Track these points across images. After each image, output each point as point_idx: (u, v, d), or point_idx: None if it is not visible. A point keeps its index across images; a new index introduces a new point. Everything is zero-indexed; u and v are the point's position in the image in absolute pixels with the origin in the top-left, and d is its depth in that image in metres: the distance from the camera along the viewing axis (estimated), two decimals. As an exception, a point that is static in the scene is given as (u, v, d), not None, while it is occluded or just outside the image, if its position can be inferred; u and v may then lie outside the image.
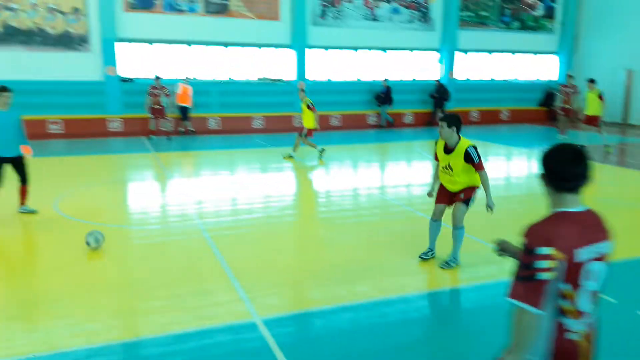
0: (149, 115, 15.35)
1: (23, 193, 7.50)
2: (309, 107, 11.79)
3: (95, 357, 3.86)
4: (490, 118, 21.43)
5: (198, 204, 8.50)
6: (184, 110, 16.13)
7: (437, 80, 19.71)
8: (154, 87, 15.20)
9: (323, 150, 12.16)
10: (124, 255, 6.05)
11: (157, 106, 15.24)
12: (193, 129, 16.54)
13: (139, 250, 6.17)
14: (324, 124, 18.59)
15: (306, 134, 12.00)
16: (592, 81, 13.83)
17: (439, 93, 19.51)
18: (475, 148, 5.47)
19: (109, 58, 15.90)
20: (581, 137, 14.61)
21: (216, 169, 11.85)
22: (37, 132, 15.19)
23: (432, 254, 5.93)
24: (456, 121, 5.52)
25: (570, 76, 16.46)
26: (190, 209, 8.00)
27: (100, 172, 10.87)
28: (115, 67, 16.01)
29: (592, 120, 13.76)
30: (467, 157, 5.40)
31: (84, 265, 5.68)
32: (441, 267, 5.70)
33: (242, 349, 4.03)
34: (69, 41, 15.62)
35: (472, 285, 5.29)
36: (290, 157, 12.27)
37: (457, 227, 5.69)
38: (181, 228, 7.01)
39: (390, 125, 19.28)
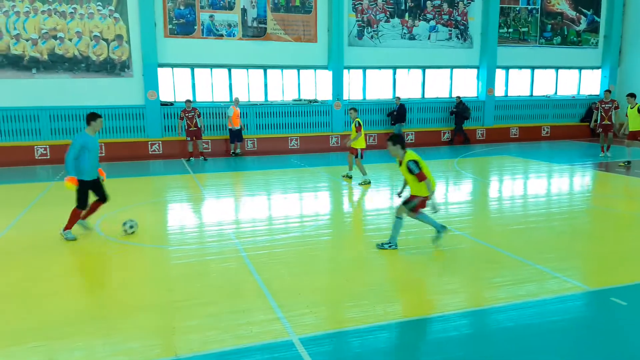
0: (186, 138, 16.00)
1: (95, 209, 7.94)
2: (357, 126, 11.52)
3: (134, 374, 3.90)
4: (530, 134, 20.97)
5: (235, 224, 8.58)
6: (237, 133, 16.62)
7: (457, 97, 19.49)
8: (186, 111, 15.83)
9: (369, 182, 11.74)
10: (163, 275, 6.14)
11: (194, 128, 15.83)
12: (240, 151, 17.05)
13: (178, 270, 6.25)
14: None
15: (359, 156, 11.77)
16: (632, 95, 13.56)
17: (459, 110, 19.22)
18: (415, 162, 6.53)
19: (150, 83, 16.45)
20: (625, 153, 14.07)
21: (252, 189, 11.97)
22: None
23: (393, 246, 6.84)
24: (398, 139, 6.73)
25: (608, 91, 15.86)
26: (228, 229, 8.08)
27: (140, 194, 11.15)
28: (156, 91, 16.53)
29: (637, 136, 13.38)
30: (409, 170, 6.55)
31: (124, 285, 5.79)
32: (377, 246, 6.84)
33: (279, 368, 3.99)
34: (111, 67, 16.26)
35: (512, 304, 5.11)
36: (348, 176, 12.33)
37: (396, 217, 6.84)
38: (219, 248, 7.08)
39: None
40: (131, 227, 7.58)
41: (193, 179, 12.80)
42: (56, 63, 15.72)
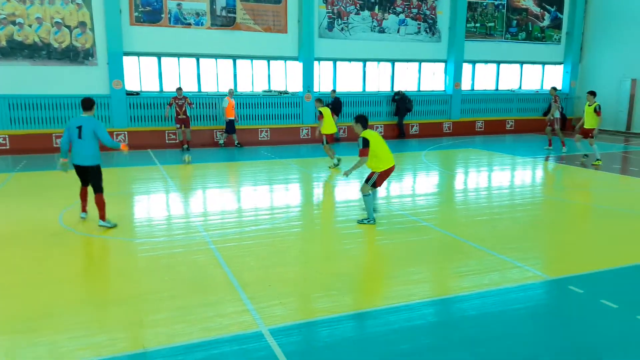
0: (176, 125, 15.84)
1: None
2: (320, 114, 12.57)
3: (101, 368, 3.86)
4: (495, 128, 21.45)
5: (203, 216, 8.51)
6: (230, 124, 16.58)
7: (398, 91, 19.43)
8: (177, 98, 15.64)
9: (338, 161, 12.85)
10: (130, 268, 6.05)
11: (183, 116, 15.72)
12: (239, 143, 17.06)
13: (145, 262, 6.17)
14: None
15: (327, 141, 12.81)
16: (592, 94, 13.76)
17: (402, 102, 19.15)
18: (364, 139, 7.42)
19: (116, 72, 16.06)
20: (574, 148, 14.65)
21: (222, 181, 11.89)
22: (43, 147, 15.34)
23: (371, 221, 7.67)
24: (360, 118, 7.74)
25: (553, 89, 16.34)
26: (196, 222, 8.02)
27: (105, 186, 10.88)
28: (122, 80, 16.15)
29: (588, 133, 13.70)
30: (358, 144, 7.44)
31: (89, 278, 5.70)
32: (357, 222, 7.68)
33: (249, 358, 4.01)
34: (74, 55, 15.79)
35: (475, 292, 5.27)
36: (335, 165, 12.84)
37: (362, 195, 7.69)
38: (187, 240, 7.02)
39: (337, 140, 17.71)
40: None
41: (160, 170, 12.61)
42: (15, 50, 15.16)
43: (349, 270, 5.87)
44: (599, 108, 13.37)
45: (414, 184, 11.65)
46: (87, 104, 7.65)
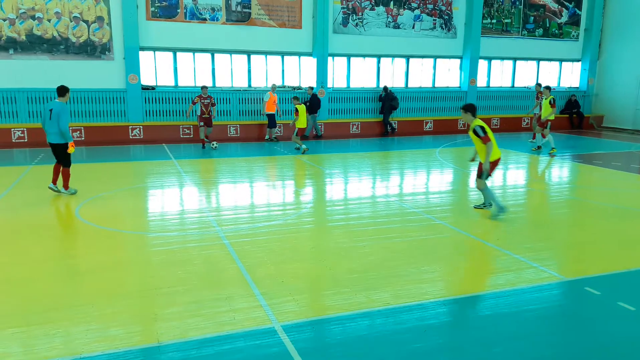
0: (199, 123, 15.33)
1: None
2: (296, 111, 14.38)
3: (116, 361, 3.90)
4: (511, 125, 21.24)
5: (217, 211, 8.56)
6: (271, 118, 16.74)
7: (385, 87, 18.80)
8: (202, 97, 15.18)
9: (306, 149, 14.55)
10: (144, 262, 6.11)
11: (207, 115, 15.27)
12: (276, 137, 17.34)
13: (159, 256, 6.22)
14: (345, 132, 18.68)
15: (297, 133, 14.70)
16: (548, 88, 14.99)
17: (387, 99, 18.55)
18: (482, 127, 7.64)
19: (132, 66, 16.18)
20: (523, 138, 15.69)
21: (235, 176, 11.93)
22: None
23: (503, 210, 7.85)
24: (469, 107, 7.91)
25: (539, 84, 17.32)
26: (209, 216, 8.06)
27: (121, 179, 11.03)
28: (137, 75, 16.27)
29: (545, 124, 14.80)
30: (475, 133, 7.67)
31: (104, 271, 5.75)
32: (491, 218, 7.82)
33: (262, 354, 4.03)
34: (92, 49, 15.94)
35: (490, 292, 5.23)
36: (301, 149, 14.52)
37: (481, 190, 8.09)
38: (200, 235, 7.07)
39: (319, 137, 18.03)
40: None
41: (175, 164, 12.69)
42: (34, 44, 15.35)
43: (362, 267, 5.86)
44: (554, 101, 14.64)
45: (428, 181, 11.59)
46: (61, 90, 8.94)
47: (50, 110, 8.75)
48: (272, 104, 16.83)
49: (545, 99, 14.84)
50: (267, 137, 17.38)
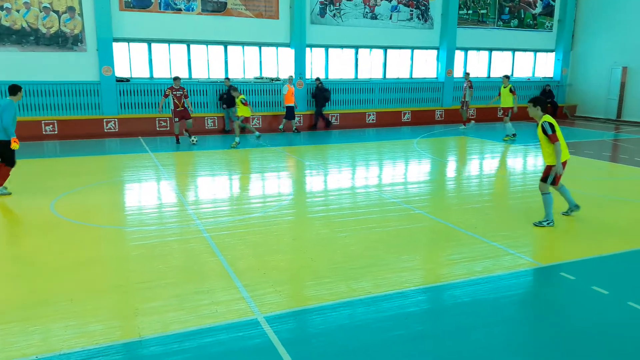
0: (174, 118, 14.58)
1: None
2: (242, 102, 14.21)
3: (98, 357, 3.86)
4: (487, 115, 21.50)
5: (196, 204, 8.49)
6: (290, 110, 16.76)
7: (317, 78, 18.15)
8: (173, 89, 14.29)
9: (259, 136, 15.04)
10: (123, 257, 6.04)
11: (181, 108, 14.41)
12: (296, 129, 17.41)
13: (138, 251, 6.16)
14: (324, 123, 18.67)
15: (243, 121, 14.64)
16: (507, 77, 15.78)
17: (320, 92, 17.89)
18: (551, 124, 6.79)
19: (105, 58, 15.85)
20: (499, 128, 16.37)
21: (213, 169, 11.84)
22: (32, 134, 15.17)
23: (550, 223, 7.16)
24: (539, 101, 7.06)
25: (468, 73, 18.32)
26: (189, 210, 7.99)
27: (96, 173, 10.84)
28: (111, 67, 15.96)
29: (506, 111, 15.67)
30: (543, 130, 6.84)
31: (82, 267, 5.67)
32: (534, 224, 7.15)
33: (245, 345, 4.03)
34: (63, 41, 15.56)
35: (468, 279, 5.32)
36: (237, 143, 14.43)
37: (542, 194, 7.20)
38: (180, 228, 7.01)
39: (228, 133, 17.07)
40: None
41: (151, 157, 12.53)
42: (3, 35, 14.89)
43: (342, 258, 5.90)
44: (514, 89, 15.55)
45: (406, 171, 11.68)
46: (12, 89, 8.64)
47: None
48: (290, 96, 16.86)
49: (505, 87, 15.49)
50: (280, 127, 17.48)
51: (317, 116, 18.32)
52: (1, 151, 8.55)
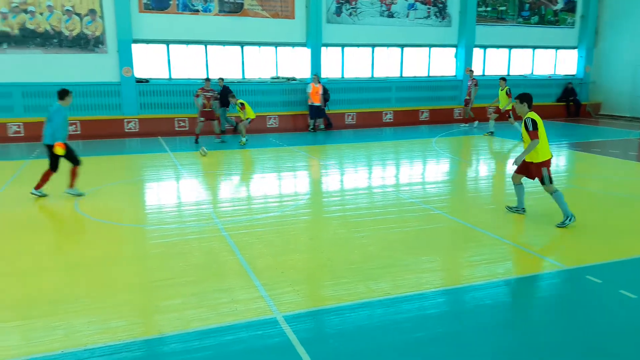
0: (199, 118, 14.86)
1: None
2: (241, 107, 14.40)
3: (120, 353, 3.91)
4: (508, 113, 21.20)
5: (215, 203, 8.55)
6: (317, 109, 16.93)
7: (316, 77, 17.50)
8: (204, 90, 14.65)
9: (247, 140, 14.73)
10: (144, 254, 6.11)
11: (209, 109, 14.72)
12: (323, 126, 17.65)
13: (158, 249, 6.22)
14: (340, 123, 18.63)
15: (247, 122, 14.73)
16: (503, 79, 16.05)
17: (323, 93, 17.21)
18: (534, 120, 6.80)
19: (125, 59, 16.06)
20: (491, 127, 16.27)
21: (231, 168, 11.91)
22: (56, 133, 15.44)
23: (572, 219, 6.99)
24: (526, 97, 7.01)
25: (470, 71, 18.36)
26: (208, 208, 8.05)
27: (117, 172, 11.00)
28: (131, 68, 16.16)
29: (504, 114, 16.06)
30: (525, 125, 6.86)
31: (105, 264, 5.75)
32: (557, 225, 6.93)
33: (264, 344, 4.05)
34: (85, 43, 15.80)
35: (490, 281, 5.25)
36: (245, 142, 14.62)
37: (551, 194, 7.02)
38: (199, 227, 7.06)
39: (223, 133, 16.48)
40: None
41: (171, 157, 12.66)
42: (27, 38, 15.20)
43: (361, 258, 5.88)
44: (510, 91, 15.71)
45: (424, 171, 11.60)
46: (60, 93, 8.74)
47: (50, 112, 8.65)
48: (315, 95, 16.89)
49: (502, 89, 15.75)
50: (311, 127, 17.48)
51: (320, 116, 17.97)
52: (62, 157, 8.60)
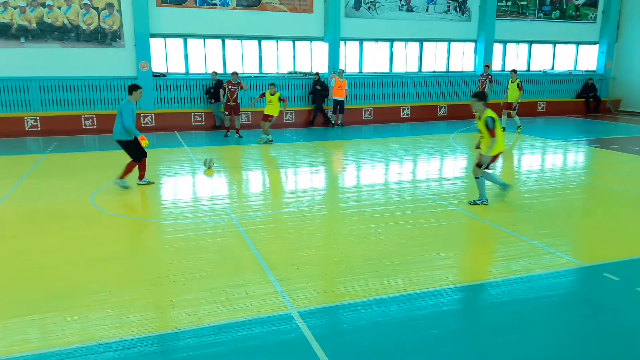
0: (224, 112, 15.09)
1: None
2: (280, 99, 14.01)
3: (136, 347, 3.93)
4: (526, 110, 20.88)
5: (230, 198, 8.56)
6: (339, 104, 16.95)
7: (316, 73, 17.60)
8: (231, 83, 14.69)
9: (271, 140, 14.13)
10: (159, 249, 6.14)
11: (233, 102, 14.77)
12: (341, 123, 17.57)
13: (174, 244, 6.25)
14: (357, 118, 18.55)
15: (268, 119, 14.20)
16: (514, 72, 15.68)
17: (321, 88, 17.38)
18: (493, 119, 7.39)
19: (142, 53, 16.16)
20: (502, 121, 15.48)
21: (247, 163, 11.92)
22: (72, 128, 15.63)
23: (484, 202, 7.80)
24: (481, 95, 7.55)
25: (487, 66, 17.72)
26: (223, 204, 8.07)
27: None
28: (148, 62, 16.25)
29: (510, 106, 15.65)
30: (486, 125, 7.43)
31: (120, 259, 5.79)
32: (469, 203, 7.78)
33: (279, 340, 4.03)
34: (102, 37, 15.93)
35: (506, 278, 5.18)
36: (268, 141, 14.08)
37: (475, 178, 7.84)
38: (215, 222, 7.07)
39: (222, 127, 16.41)
40: (211, 161, 10.35)
41: (187, 152, 12.71)
42: (45, 32, 15.37)
43: (376, 254, 5.83)
44: (521, 84, 15.50)
45: (442, 167, 11.49)
46: (129, 88, 8.78)
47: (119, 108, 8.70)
48: (337, 89, 16.81)
49: (512, 82, 15.43)
50: (333, 122, 17.47)
51: (316, 112, 17.80)
52: (127, 150, 8.78)
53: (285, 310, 4.49)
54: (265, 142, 14.04)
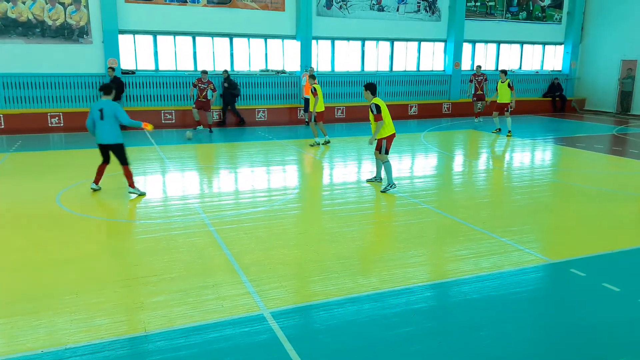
0: (193, 106, 15.65)
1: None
2: (313, 92, 12.85)
3: (103, 351, 3.83)
4: (495, 109, 21.26)
5: (201, 197, 8.45)
6: (309, 102, 16.68)
7: (225, 71, 16.64)
8: (200, 81, 15.42)
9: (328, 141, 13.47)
10: (128, 250, 6.02)
11: (203, 99, 15.50)
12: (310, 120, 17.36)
13: (143, 244, 6.13)
14: (329, 116, 18.55)
15: (315, 119, 13.12)
16: (504, 72, 15.54)
17: (229, 87, 16.57)
18: (377, 105, 8.31)
19: (111, 50, 15.80)
20: (493, 122, 16.13)
21: (219, 162, 11.80)
22: (39, 126, 15.18)
23: (393, 186, 8.57)
24: (370, 86, 8.54)
25: (479, 66, 18.33)
26: (194, 203, 7.96)
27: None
28: (117, 59, 15.91)
29: (502, 107, 15.51)
30: (370, 110, 8.35)
31: (88, 260, 5.65)
32: (381, 191, 8.50)
33: (251, 341, 3.99)
34: (69, 33, 15.51)
35: (476, 275, 5.26)
36: (326, 142, 13.45)
37: (382, 163, 8.76)
38: (185, 222, 6.97)
39: (202, 125, 16.20)
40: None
41: (157, 150, 12.50)
42: (9, 27, 14.86)
43: (349, 252, 5.85)
44: (512, 83, 15.32)
45: (413, 165, 11.60)
46: (106, 88, 8.28)
47: (100, 110, 8.03)
48: (309, 88, 16.64)
49: (502, 82, 15.38)
50: (307, 120, 17.18)
51: (225, 112, 17.01)
52: (114, 153, 8.25)
53: (258, 311, 4.45)
54: (324, 143, 13.42)
